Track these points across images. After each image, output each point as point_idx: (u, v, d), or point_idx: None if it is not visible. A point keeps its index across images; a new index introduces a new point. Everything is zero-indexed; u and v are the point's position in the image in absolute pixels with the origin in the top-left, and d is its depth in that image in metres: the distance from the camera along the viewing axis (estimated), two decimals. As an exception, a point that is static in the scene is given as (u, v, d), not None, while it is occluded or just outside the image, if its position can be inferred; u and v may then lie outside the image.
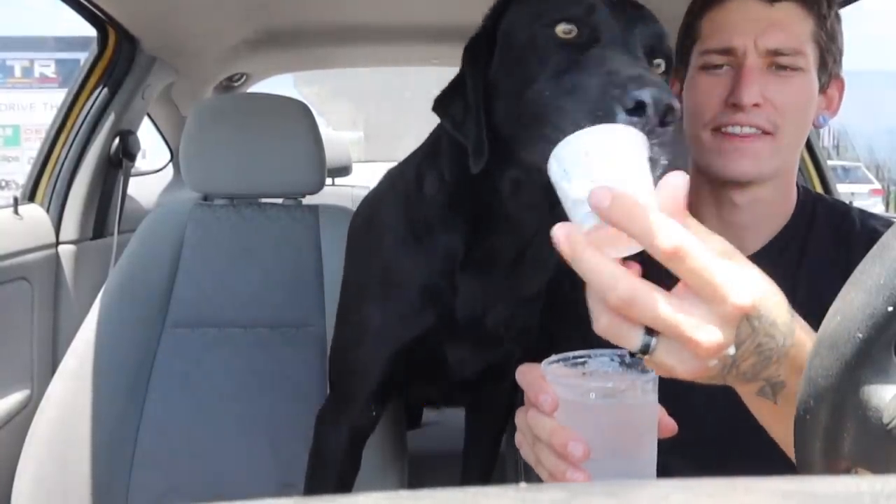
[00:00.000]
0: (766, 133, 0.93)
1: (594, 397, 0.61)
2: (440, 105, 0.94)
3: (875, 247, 0.42)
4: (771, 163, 0.94)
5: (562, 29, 0.79)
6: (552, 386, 0.62)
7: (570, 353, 0.66)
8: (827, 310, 0.96)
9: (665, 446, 0.97)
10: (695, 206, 1.03)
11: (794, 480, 0.26)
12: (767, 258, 0.99)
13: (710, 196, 1.00)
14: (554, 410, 0.61)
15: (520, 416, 0.67)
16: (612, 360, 0.65)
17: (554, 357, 0.65)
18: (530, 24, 0.83)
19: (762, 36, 0.92)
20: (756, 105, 0.91)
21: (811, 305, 0.95)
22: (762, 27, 0.92)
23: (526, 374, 0.65)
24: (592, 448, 0.60)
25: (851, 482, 0.26)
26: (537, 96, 0.78)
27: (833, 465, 0.43)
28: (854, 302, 0.41)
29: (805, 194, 1.03)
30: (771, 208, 0.99)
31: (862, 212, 1.03)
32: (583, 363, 0.66)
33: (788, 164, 0.98)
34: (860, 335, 0.40)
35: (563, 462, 0.61)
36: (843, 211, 1.02)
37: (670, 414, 0.97)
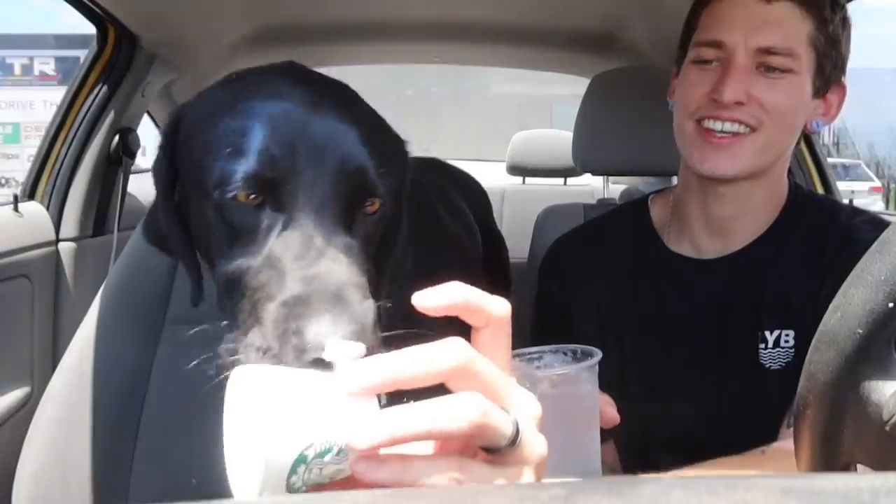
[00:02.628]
0: (750, 129, 0.92)
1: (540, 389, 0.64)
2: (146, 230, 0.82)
3: (876, 243, 0.42)
4: (750, 161, 0.93)
5: (244, 195, 0.63)
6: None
7: (527, 350, 0.69)
8: (794, 308, 0.97)
9: (656, 445, 0.98)
10: (682, 201, 1.04)
11: (794, 477, 0.26)
12: (749, 257, 0.99)
13: (697, 188, 1.00)
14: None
15: None
16: (566, 354, 0.68)
17: (513, 352, 0.67)
18: (202, 183, 0.66)
19: (754, 33, 0.91)
20: (739, 103, 0.91)
21: (777, 305, 0.95)
22: (755, 24, 0.91)
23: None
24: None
25: (850, 479, 0.26)
26: (226, 274, 0.67)
27: (832, 461, 0.43)
28: (854, 298, 0.41)
29: (797, 193, 1.03)
30: (755, 204, 0.99)
31: (854, 210, 1.03)
32: (539, 358, 0.69)
33: (774, 165, 0.97)
34: (860, 331, 0.40)
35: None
36: (831, 209, 1.02)
37: (658, 415, 0.99)
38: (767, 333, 0.95)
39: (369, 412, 0.41)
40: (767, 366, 0.94)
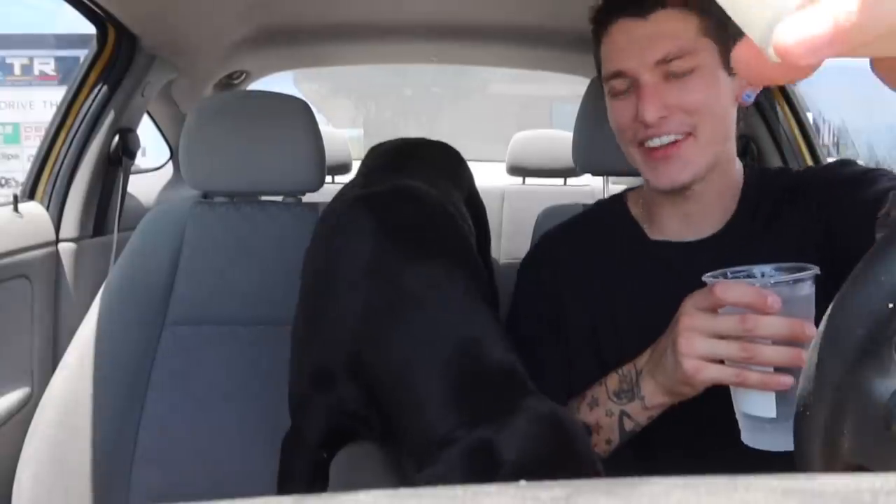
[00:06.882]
0: (685, 135, 0.96)
1: (808, 289, 0.72)
2: None
3: (875, 244, 0.42)
4: (700, 162, 0.97)
5: None
6: (766, 289, 0.72)
7: (724, 271, 0.78)
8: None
9: (663, 441, 0.97)
10: (652, 206, 1.08)
11: (795, 478, 0.26)
12: (732, 234, 1.03)
13: (663, 193, 1.04)
14: (779, 308, 0.71)
15: (702, 343, 0.78)
16: (776, 270, 0.77)
17: (716, 272, 0.77)
18: None
19: (645, 51, 0.94)
20: (663, 117, 0.95)
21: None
22: (642, 43, 0.94)
23: (732, 288, 0.74)
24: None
25: (851, 480, 0.26)
26: None
27: (833, 462, 0.43)
28: (854, 298, 0.41)
29: (749, 170, 1.08)
30: (719, 190, 1.03)
31: (799, 167, 1.14)
32: (746, 275, 0.77)
33: (722, 154, 1.01)
34: (860, 332, 0.40)
35: (794, 349, 0.72)
36: (780, 170, 1.11)
37: (670, 414, 0.98)
38: None
39: None
40: None
